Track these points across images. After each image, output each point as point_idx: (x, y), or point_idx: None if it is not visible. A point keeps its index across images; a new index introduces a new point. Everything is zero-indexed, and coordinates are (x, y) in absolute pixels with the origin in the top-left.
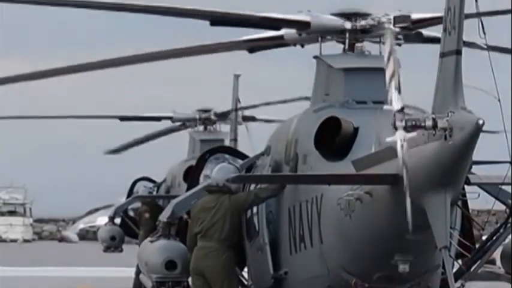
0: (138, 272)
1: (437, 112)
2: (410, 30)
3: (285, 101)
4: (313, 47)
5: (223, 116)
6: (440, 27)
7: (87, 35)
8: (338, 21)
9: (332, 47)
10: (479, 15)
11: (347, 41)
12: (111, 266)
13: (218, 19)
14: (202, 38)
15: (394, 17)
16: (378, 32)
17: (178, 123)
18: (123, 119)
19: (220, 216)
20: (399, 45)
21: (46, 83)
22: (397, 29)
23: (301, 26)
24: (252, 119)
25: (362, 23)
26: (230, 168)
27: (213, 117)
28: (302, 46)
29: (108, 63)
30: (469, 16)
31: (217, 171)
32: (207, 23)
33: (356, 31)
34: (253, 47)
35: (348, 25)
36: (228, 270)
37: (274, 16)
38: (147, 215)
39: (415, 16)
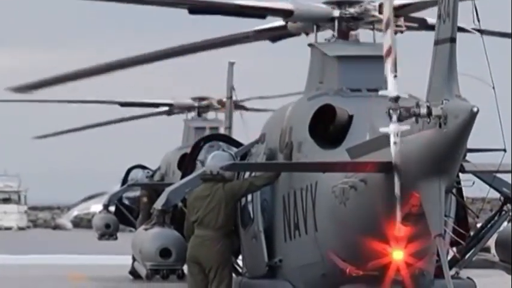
0: (134, 258)
1: (431, 100)
2: (398, 17)
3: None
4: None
5: (218, 104)
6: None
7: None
8: (326, 9)
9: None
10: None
11: (344, 28)
12: (105, 254)
13: (197, 8)
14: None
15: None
16: (369, 19)
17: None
18: (123, 104)
19: (215, 205)
20: (401, 32)
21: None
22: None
23: (285, 13)
24: (243, 108)
25: (351, 10)
26: (224, 156)
27: (207, 104)
28: (307, 34)
29: (103, 68)
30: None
31: (211, 159)
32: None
33: (346, 19)
34: (259, 37)
35: (336, 13)
36: (223, 258)
37: (256, 4)
38: (145, 200)
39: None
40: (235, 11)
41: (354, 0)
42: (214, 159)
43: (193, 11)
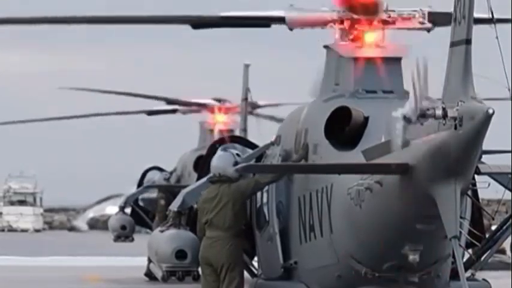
0: (150, 260)
1: (447, 101)
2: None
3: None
4: (322, 36)
5: (232, 106)
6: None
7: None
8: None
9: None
10: (493, 20)
11: (360, 30)
12: (121, 256)
13: (200, 23)
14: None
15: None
16: (390, 21)
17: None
18: (150, 113)
19: (222, 206)
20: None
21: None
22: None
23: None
24: (257, 106)
25: (376, 12)
26: (227, 156)
27: (223, 106)
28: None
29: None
30: (482, 21)
31: (215, 160)
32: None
33: (368, 21)
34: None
35: (360, 15)
36: (233, 258)
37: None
38: (162, 202)
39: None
40: (239, 23)
41: (377, 2)
42: (218, 160)
43: (196, 26)
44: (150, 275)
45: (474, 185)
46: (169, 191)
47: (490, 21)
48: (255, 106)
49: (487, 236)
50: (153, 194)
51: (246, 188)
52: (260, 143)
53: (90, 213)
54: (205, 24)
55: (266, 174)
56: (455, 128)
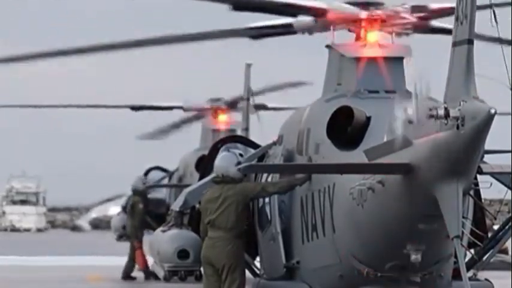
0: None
1: (449, 101)
2: (428, 20)
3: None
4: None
5: (234, 105)
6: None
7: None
8: (354, 10)
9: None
10: (491, 6)
11: (363, 30)
12: (123, 255)
13: (240, 4)
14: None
15: (412, 7)
16: (392, 21)
17: (191, 113)
18: (134, 108)
19: (226, 206)
20: (407, 34)
21: (58, 72)
22: (415, 19)
23: (318, 12)
24: (263, 107)
25: (378, 12)
26: (229, 156)
27: (224, 106)
28: (310, 34)
29: (111, 46)
30: (482, 7)
31: (218, 161)
32: (227, 7)
33: (370, 20)
34: (258, 34)
35: (363, 14)
36: (234, 258)
37: (293, 2)
38: (140, 206)
39: (433, 6)
40: (270, 8)
41: (379, 1)
42: (221, 161)
43: (236, 7)
44: (128, 277)
45: (476, 184)
46: (145, 196)
47: (488, 6)
48: (262, 107)
49: (489, 235)
50: (157, 194)
51: (252, 191)
52: (262, 142)
53: (93, 214)
54: (245, 7)
55: (274, 183)
56: (458, 128)
